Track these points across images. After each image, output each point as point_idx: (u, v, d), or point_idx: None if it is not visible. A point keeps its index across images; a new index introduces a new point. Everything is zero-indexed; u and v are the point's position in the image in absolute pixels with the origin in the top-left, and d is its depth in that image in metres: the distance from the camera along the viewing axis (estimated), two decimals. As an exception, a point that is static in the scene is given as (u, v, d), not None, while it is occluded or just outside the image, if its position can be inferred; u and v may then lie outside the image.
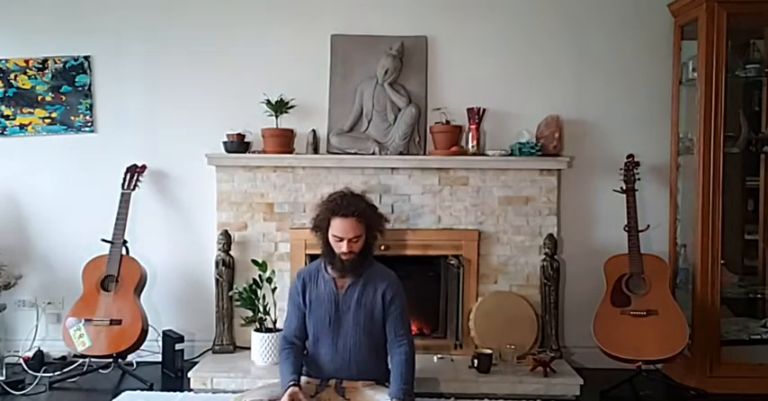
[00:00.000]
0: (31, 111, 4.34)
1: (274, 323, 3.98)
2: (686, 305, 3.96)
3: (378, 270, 3.29)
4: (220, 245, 4.10)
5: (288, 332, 3.29)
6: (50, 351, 4.28)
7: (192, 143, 4.22)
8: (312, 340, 3.26)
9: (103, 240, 4.03)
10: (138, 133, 4.32)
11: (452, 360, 4.06)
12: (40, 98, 4.34)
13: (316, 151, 4.19)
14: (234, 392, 3.52)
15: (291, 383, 3.06)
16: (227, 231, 4.14)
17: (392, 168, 4.18)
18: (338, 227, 3.14)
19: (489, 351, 3.87)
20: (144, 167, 4.23)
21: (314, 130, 4.18)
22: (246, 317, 3.99)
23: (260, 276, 3.98)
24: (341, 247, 3.15)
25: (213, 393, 3.73)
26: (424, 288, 4.39)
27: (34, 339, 4.31)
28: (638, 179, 4.05)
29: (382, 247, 4.02)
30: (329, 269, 3.26)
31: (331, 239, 3.18)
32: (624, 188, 4.03)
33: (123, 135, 4.32)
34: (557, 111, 4.20)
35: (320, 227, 3.22)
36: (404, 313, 3.24)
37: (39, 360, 4.17)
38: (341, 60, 4.25)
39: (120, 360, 3.97)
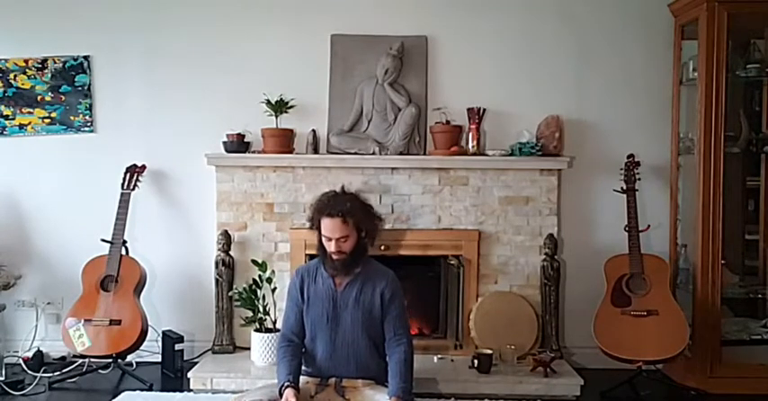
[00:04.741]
0: (31, 110, 4.34)
1: (274, 323, 3.97)
2: (687, 305, 3.96)
3: (376, 268, 3.30)
4: (220, 245, 4.10)
5: (286, 329, 3.29)
6: (50, 352, 4.28)
7: (192, 143, 4.21)
8: (310, 336, 3.26)
9: (103, 240, 4.03)
10: (138, 133, 4.31)
11: (452, 360, 4.05)
12: (39, 98, 4.34)
13: (316, 151, 4.18)
14: (234, 392, 3.51)
15: (287, 384, 3.05)
16: (226, 231, 4.13)
17: (392, 168, 4.17)
18: (325, 226, 3.16)
19: (489, 352, 3.87)
20: (144, 167, 4.23)
21: (314, 130, 4.18)
22: (246, 317, 3.99)
23: (260, 276, 3.97)
24: (330, 246, 3.17)
25: (213, 393, 3.73)
26: (424, 288, 4.38)
27: (34, 339, 4.30)
28: (639, 179, 4.05)
29: (382, 247, 4.02)
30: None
31: (322, 238, 3.20)
32: (624, 188, 4.03)
33: (123, 135, 4.32)
34: (557, 111, 4.20)
35: (314, 226, 3.25)
36: (402, 312, 3.25)
37: (38, 361, 4.17)
38: (341, 60, 4.25)
39: (119, 360, 3.97)
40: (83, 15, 4.30)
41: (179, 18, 4.29)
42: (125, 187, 4.13)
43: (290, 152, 4.18)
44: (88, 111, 4.33)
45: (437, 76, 4.28)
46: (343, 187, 3.36)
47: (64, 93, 4.33)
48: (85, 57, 4.31)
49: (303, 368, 3.27)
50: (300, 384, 3.17)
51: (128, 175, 4.16)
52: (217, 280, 4.11)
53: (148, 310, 4.08)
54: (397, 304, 3.23)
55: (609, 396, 3.80)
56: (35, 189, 4.35)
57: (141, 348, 4.01)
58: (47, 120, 4.34)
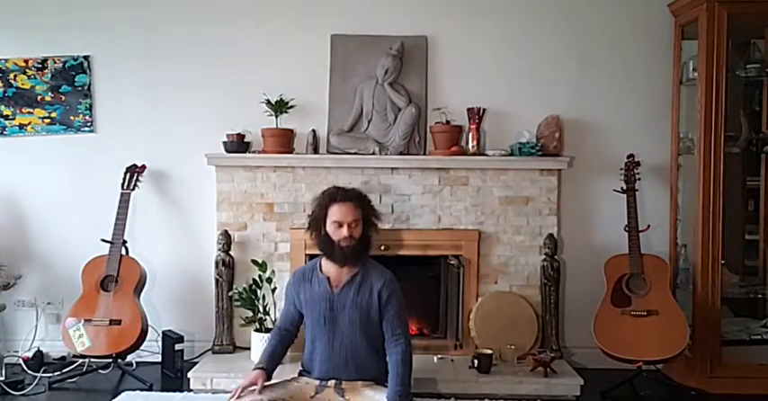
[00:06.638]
0: (31, 110, 4.34)
1: (274, 323, 3.97)
2: (687, 305, 3.96)
3: (374, 268, 3.29)
4: (220, 245, 4.10)
5: (281, 323, 3.37)
6: (50, 352, 4.28)
7: (192, 143, 4.21)
8: (309, 339, 3.27)
9: (103, 240, 4.03)
10: (138, 133, 4.31)
11: (452, 360, 4.05)
12: (39, 98, 4.34)
13: (316, 151, 4.18)
14: (234, 392, 3.52)
15: (260, 366, 3.16)
16: (226, 231, 4.13)
17: (392, 168, 4.17)
18: (337, 211, 3.18)
19: (489, 352, 3.87)
20: (144, 167, 4.23)
21: (314, 130, 4.18)
22: (246, 317, 3.99)
23: (260, 276, 3.97)
24: (341, 233, 3.16)
25: (213, 393, 3.73)
26: (424, 288, 4.38)
27: (34, 339, 4.30)
28: (639, 179, 4.05)
29: (382, 247, 4.02)
30: (323, 268, 3.27)
31: (330, 228, 3.19)
32: (624, 188, 4.03)
33: (123, 135, 4.32)
34: (557, 111, 4.20)
35: (317, 219, 3.24)
36: (400, 311, 3.24)
37: (38, 361, 4.17)
38: (341, 60, 4.25)
39: (119, 360, 3.97)
40: (83, 15, 4.30)
41: (179, 18, 4.29)
42: (125, 187, 4.13)
43: (290, 152, 4.18)
44: (88, 111, 4.34)
45: (437, 76, 4.28)
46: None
47: (64, 93, 4.33)
48: (85, 57, 4.31)
49: (302, 369, 3.28)
50: (300, 384, 3.20)
51: (128, 175, 4.16)
52: (217, 280, 4.11)
53: (148, 310, 4.08)
54: (394, 303, 3.22)
55: (609, 396, 3.80)
56: (35, 189, 4.35)
57: (141, 348, 4.01)
58: (47, 120, 4.34)
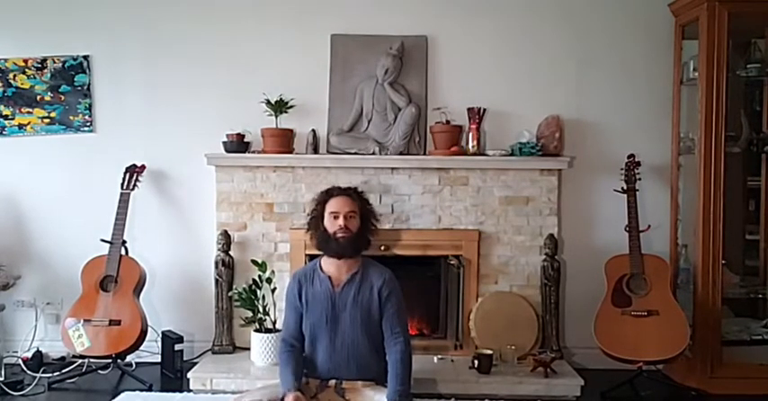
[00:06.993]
0: (30, 110, 4.34)
1: (274, 323, 3.97)
2: (687, 305, 3.95)
3: (374, 268, 3.30)
4: (220, 246, 4.10)
5: (286, 334, 3.30)
6: (49, 352, 4.27)
7: (192, 143, 4.21)
8: (309, 339, 3.26)
9: (103, 240, 4.03)
10: (138, 133, 4.31)
11: (452, 360, 4.05)
12: (39, 98, 4.34)
13: (315, 151, 4.18)
14: (233, 393, 3.52)
15: (294, 387, 3.08)
16: (226, 231, 4.13)
17: (392, 168, 4.17)
18: (334, 203, 3.24)
19: (489, 352, 3.86)
20: (143, 167, 4.22)
21: (314, 130, 4.18)
22: (246, 318, 3.99)
23: (259, 276, 3.97)
24: (338, 224, 3.19)
25: (213, 394, 3.72)
26: (424, 288, 4.38)
27: (33, 339, 4.30)
28: (639, 179, 4.04)
29: (382, 247, 4.02)
30: (324, 268, 3.27)
31: (328, 221, 3.22)
32: (625, 188, 4.03)
33: (122, 135, 4.32)
34: (557, 111, 4.19)
35: (316, 217, 3.27)
36: (400, 310, 3.24)
37: (38, 361, 4.17)
38: (341, 60, 4.25)
39: (119, 360, 3.97)
40: (83, 15, 4.30)
41: (179, 18, 4.29)
42: (125, 187, 4.13)
43: (290, 152, 4.18)
44: (88, 111, 4.33)
45: (437, 76, 4.28)
46: None
47: (63, 92, 4.33)
48: (85, 57, 4.31)
49: (304, 370, 3.28)
50: (302, 387, 3.18)
51: (127, 175, 4.16)
52: (217, 281, 4.11)
53: (148, 310, 4.07)
54: (393, 302, 3.22)
55: (609, 396, 3.80)
56: (35, 189, 4.35)
57: (141, 348, 4.00)
58: (46, 120, 4.34)
